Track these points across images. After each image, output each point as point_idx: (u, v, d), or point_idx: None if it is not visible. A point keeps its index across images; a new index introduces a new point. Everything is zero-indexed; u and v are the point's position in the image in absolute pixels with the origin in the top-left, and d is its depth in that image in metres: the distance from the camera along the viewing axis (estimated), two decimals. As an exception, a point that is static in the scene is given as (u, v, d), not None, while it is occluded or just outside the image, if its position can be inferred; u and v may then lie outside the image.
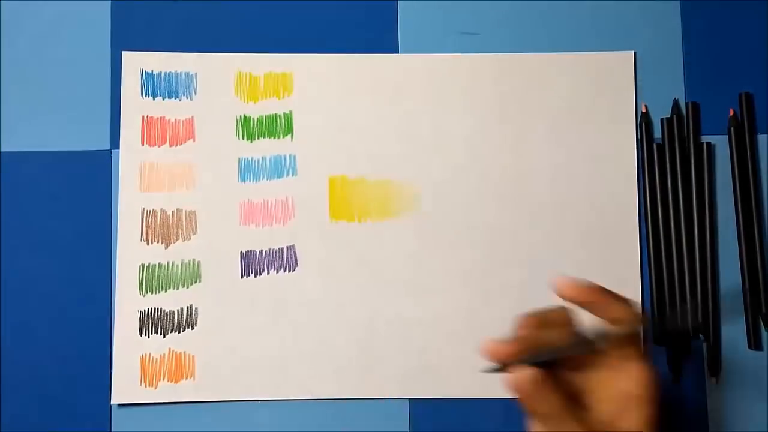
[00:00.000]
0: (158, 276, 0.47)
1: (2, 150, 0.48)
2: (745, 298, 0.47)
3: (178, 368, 0.46)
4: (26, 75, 0.49)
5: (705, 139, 0.49)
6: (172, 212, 0.48)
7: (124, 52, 0.49)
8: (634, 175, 0.48)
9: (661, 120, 0.49)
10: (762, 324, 0.47)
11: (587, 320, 0.38)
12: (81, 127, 0.49)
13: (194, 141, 0.48)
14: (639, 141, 0.48)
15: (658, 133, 0.49)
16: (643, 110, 0.49)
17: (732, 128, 0.48)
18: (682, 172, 0.48)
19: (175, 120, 0.48)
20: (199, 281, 0.47)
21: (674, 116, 0.48)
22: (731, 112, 0.48)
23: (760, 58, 0.49)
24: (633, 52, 0.49)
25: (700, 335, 0.47)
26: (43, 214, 0.48)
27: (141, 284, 0.47)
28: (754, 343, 0.47)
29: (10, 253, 0.47)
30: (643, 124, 0.48)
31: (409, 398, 0.47)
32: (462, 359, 0.47)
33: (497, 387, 0.46)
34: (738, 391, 0.47)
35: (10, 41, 0.49)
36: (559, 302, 0.38)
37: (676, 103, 0.49)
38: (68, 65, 0.49)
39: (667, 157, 0.48)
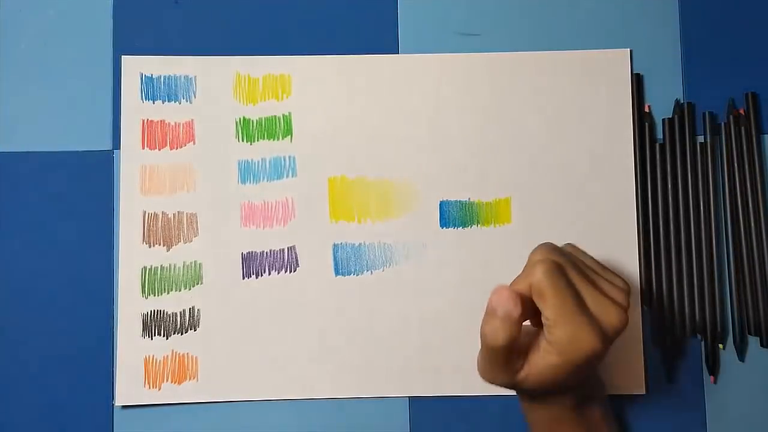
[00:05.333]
0: (160, 278, 0.48)
1: (2, 150, 0.49)
2: (749, 298, 0.47)
3: (181, 370, 0.47)
4: (28, 76, 0.49)
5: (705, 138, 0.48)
6: (174, 215, 0.48)
7: (123, 57, 0.49)
8: (632, 173, 0.48)
9: (663, 120, 0.48)
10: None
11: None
12: (83, 128, 0.49)
13: (194, 143, 0.48)
14: (640, 140, 0.48)
15: (658, 133, 0.49)
16: (646, 110, 0.49)
17: (742, 127, 0.48)
18: (683, 172, 0.48)
19: (175, 123, 0.49)
20: (201, 283, 0.48)
21: (676, 116, 0.48)
22: (741, 112, 0.48)
23: (760, 56, 0.49)
24: (629, 49, 0.49)
25: (698, 335, 0.47)
26: (45, 216, 0.48)
27: (143, 286, 0.47)
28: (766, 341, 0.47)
29: (11, 254, 0.48)
30: (645, 123, 0.48)
31: (409, 397, 0.47)
32: (462, 358, 0.47)
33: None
34: (737, 391, 0.47)
35: (12, 43, 0.49)
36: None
37: (677, 103, 0.49)
38: (70, 67, 0.49)
39: (668, 158, 0.48)
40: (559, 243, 0.47)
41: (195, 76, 0.49)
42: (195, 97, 0.49)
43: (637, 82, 0.49)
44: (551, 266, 0.37)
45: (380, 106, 0.49)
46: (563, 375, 0.37)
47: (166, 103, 0.49)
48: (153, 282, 0.47)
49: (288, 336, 0.47)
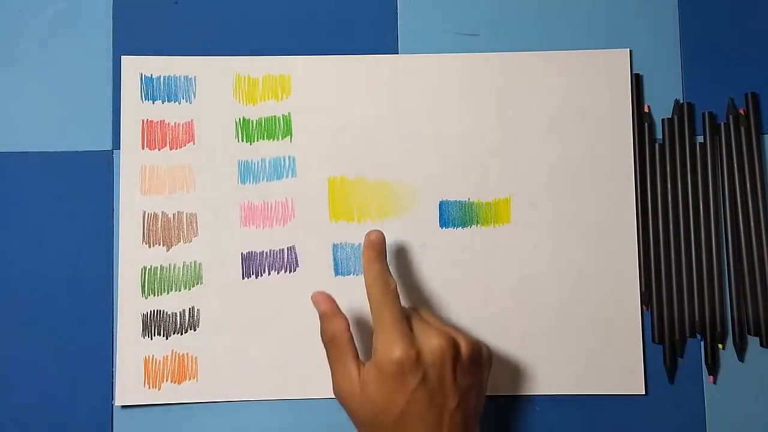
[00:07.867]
0: (160, 278, 0.48)
1: (2, 150, 0.49)
2: (748, 298, 0.47)
3: (181, 369, 0.47)
4: (28, 76, 0.49)
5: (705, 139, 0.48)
6: (173, 215, 0.48)
7: (123, 57, 0.49)
8: (631, 173, 0.48)
9: (662, 120, 0.49)
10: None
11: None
12: (83, 128, 0.49)
13: (194, 144, 0.48)
14: (640, 141, 0.48)
15: (658, 133, 0.49)
16: (646, 110, 0.49)
17: (742, 127, 0.48)
18: (683, 172, 0.48)
19: (175, 123, 0.49)
20: (201, 283, 0.48)
21: (675, 116, 0.48)
22: (741, 112, 0.48)
23: (760, 56, 0.49)
24: (629, 49, 0.49)
25: (698, 335, 0.47)
26: (45, 216, 0.48)
27: (143, 286, 0.47)
28: (766, 341, 0.47)
29: (11, 254, 0.48)
30: (645, 124, 0.48)
31: (409, 397, 0.47)
32: (461, 358, 0.47)
33: (496, 385, 0.47)
34: (737, 391, 0.47)
35: (12, 43, 0.49)
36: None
37: (677, 103, 0.49)
38: (69, 67, 0.49)
39: (668, 158, 0.48)
40: (558, 243, 0.48)
41: (195, 77, 0.49)
42: (195, 97, 0.49)
43: (637, 82, 0.49)
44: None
45: (380, 107, 0.49)
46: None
47: (166, 103, 0.49)
48: (153, 282, 0.48)
49: (288, 336, 0.47)
